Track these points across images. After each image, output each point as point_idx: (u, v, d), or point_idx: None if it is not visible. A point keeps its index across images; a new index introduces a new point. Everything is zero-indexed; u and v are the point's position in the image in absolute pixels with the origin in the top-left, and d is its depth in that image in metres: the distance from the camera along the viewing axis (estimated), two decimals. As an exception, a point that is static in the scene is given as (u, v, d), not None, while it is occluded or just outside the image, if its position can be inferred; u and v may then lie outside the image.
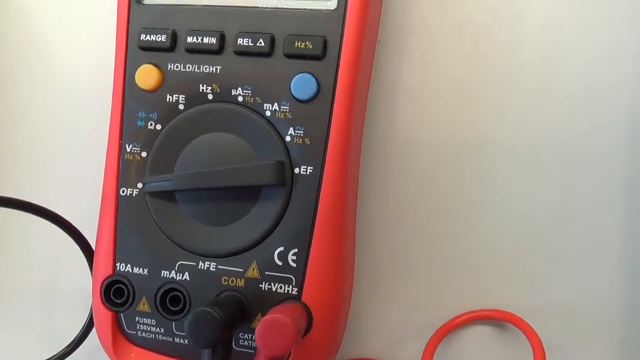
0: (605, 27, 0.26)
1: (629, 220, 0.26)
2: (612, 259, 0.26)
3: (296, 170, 0.24)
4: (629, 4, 0.26)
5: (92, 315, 0.26)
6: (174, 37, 0.25)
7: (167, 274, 0.25)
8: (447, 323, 0.27)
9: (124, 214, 0.25)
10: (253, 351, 0.24)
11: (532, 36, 0.27)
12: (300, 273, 0.24)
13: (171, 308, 0.25)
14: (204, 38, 0.24)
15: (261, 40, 0.24)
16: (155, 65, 0.25)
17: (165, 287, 0.25)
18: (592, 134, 0.26)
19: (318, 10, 0.24)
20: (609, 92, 0.26)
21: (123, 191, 0.25)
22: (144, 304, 0.25)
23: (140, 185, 0.25)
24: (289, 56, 0.24)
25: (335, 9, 0.24)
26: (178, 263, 0.25)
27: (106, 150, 0.26)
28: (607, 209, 0.26)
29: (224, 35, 0.24)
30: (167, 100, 0.25)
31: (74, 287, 0.30)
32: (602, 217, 0.26)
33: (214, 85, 0.25)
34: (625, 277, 0.26)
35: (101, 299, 0.25)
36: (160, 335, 0.25)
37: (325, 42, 0.23)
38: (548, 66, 0.26)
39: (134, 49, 0.25)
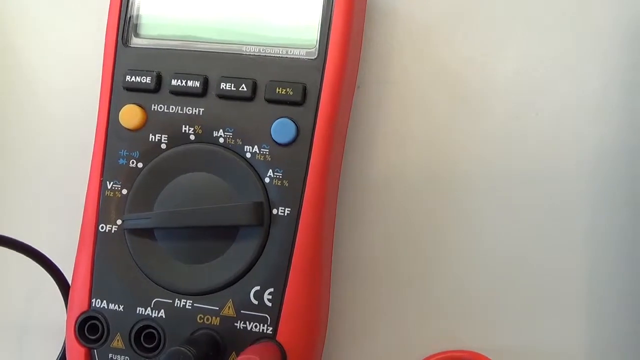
0: (574, 77, 0.27)
1: (594, 264, 0.27)
2: (580, 301, 0.27)
3: (274, 211, 0.24)
4: (597, 56, 0.27)
5: (64, 351, 0.26)
6: (158, 79, 0.25)
7: (142, 310, 0.25)
8: (420, 364, 0.27)
9: (101, 250, 0.25)
10: (227, 390, 0.24)
11: (505, 85, 0.28)
12: (275, 312, 0.24)
13: (145, 345, 0.24)
14: (189, 81, 0.25)
15: (243, 85, 0.25)
16: (139, 106, 0.25)
17: (140, 324, 0.24)
18: (560, 181, 0.27)
19: (299, 58, 0.25)
20: (577, 139, 0.27)
21: (102, 227, 0.25)
22: (118, 340, 0.25)
23: (119, 222, 0.25)
24: (270, 101, 0.25)
25: (315, 58, 0.24)
26: (154, 300, 0.25)
27: (87, 186, 0.26)
28: (574, 253, 0.27)
29: (207, 79, 0.25)
30: (150, 139, 0.25)
31: (49, 322, 0.29)
32: (569, 260, 0.27)
33: (196, 126, 0.25)
34: (593, 320, 0.27)
35: (75, 334, 0.25)
36: (133, 373, 0.25)
37: (305, 89, 0.24)
38: (520, 113, 0.28)
39: (118, 89, 0.26)
